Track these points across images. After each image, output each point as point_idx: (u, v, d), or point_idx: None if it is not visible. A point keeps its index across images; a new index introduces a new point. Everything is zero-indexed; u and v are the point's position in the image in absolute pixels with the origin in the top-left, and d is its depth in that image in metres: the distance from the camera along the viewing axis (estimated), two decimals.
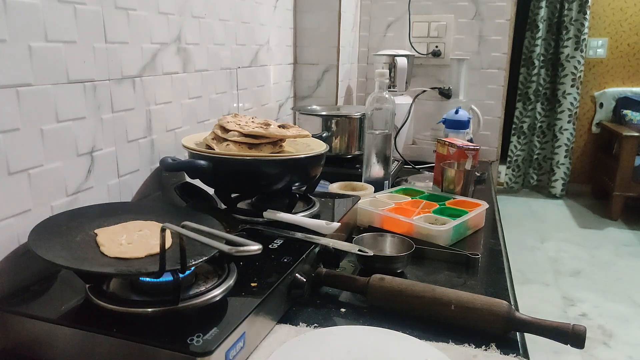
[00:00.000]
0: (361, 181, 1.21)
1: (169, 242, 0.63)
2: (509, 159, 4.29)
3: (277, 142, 0.90)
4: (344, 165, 1.38)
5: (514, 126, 4.24)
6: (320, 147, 0.94)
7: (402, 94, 1.69)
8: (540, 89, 4.14)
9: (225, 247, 0.52)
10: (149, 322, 0.56)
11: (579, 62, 3.99)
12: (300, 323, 0.67)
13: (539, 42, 4.07)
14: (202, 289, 0.60)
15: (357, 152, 1.40)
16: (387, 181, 1.22)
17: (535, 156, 4.30)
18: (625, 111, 3.94)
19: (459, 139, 1.32)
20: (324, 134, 1.17)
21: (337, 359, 0.59)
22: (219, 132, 0.89)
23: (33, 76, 0.65)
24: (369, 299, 0.72)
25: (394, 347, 0.61)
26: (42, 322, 0.56)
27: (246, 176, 0.86)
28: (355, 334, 0.64)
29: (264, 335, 0.63)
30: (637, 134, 3.50)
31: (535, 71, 4.11)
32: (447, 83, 1.78)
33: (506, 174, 4.33)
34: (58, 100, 0.70)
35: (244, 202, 0.95)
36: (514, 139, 4.27)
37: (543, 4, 4.01)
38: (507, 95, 1.95)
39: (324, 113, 1.42)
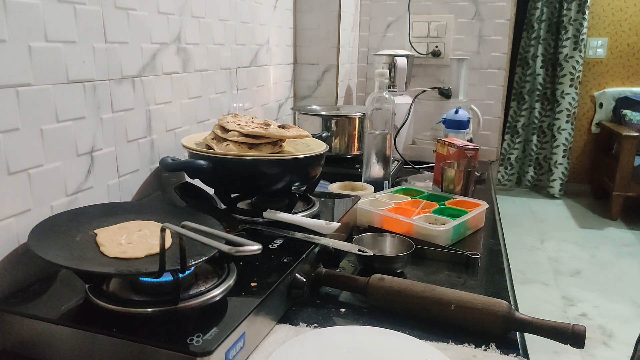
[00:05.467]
0: (361, 181, 1.21)
1: (168, 242, 0.63)
2: (501, 156, 4.31)
3: (276, 142, 0.90)
4: (344, 165, 1.38)
5: (507, 125, 4.25)
6: (320, 147, 0.94)
7: (402, 94, 1.69)
8: (540, 88, 4.15)
9: (225, 247, 0.52)
10: (149, 322, 0.56)
11: (577, 62, 4.00)
12: (300, 323, 0.67)
13: (534, 42, 4.07)
14: (202, 289, 0.60)
15: (357, 152, 1.40)
16: (387, 181, 1.22)
17: (535, 156, 4.30)
18: (625, 111, 3.94)
19: (459, 139, 1.32)
20: (324, 134, 1.17)
21: (337, 359, 0.59)
22: (219, 132, 0.89)
23: (33, 76, 0.65)
24: (369, 299, 0.72)
25: (394, 347, 0.61)
26: (42, 322, 0.56)
27: (246, 176, 0.86)
28: (355, 334, 0.64)
29: (263, 335, 0.63)
30: (637, 134, 3.51)
31: (530, 71, 4.13)
32: (447, 83, 1.78)
33: (498, 171, 4.35)
34: (58, 100, 0.70)
35: (243, 202, 0.95)
36: (507, 137, 4.29)
37: (540, 4, 4.02)
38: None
39: (323, 113, 1.42)
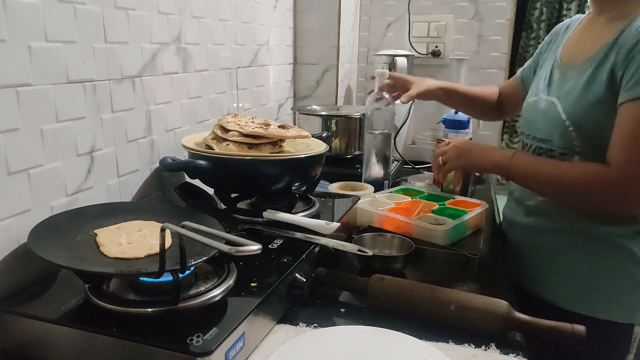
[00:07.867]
0: (361, 181, 1.21)
1: (168, 242, 0.63)
2: None
3: (276, 142, 0.90)
4: (343, 165, 1.38)
5: (507, 124, 4.26)
6: (320, 147, 0.94)
7: None
8: None
9: (225, 247, 0.52)
10: (149, 322, 0.56)
11: None
12: (300, 323, 0.67)
13: (534, 42, 4.08)
14: (202, 289, 0.60)
15: (357, 152, 1.40)
16: (387, 181, 1.22)
17: None
18: None
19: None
20: (324, 134, 1.17)
21: (337, 359, 0.59)
22: (219, 132, 0.89)
23: (33, 76, 0.65)
24: (369, 299, 0.72)
25: (394, 347, 0.61)
26: (42, 322, 0.56)
27: (246, 176, 0.86)
28: (355, 334, 0.64)
29: (263, 335, 0.63)
30: None
31: None
32: None
33: None
34: (58, 100, 0.70)
35: (243, 202, 0.95)
36: (506, 137, 4.29)
37: (540, 4, 4.02)
38: None
39: (323, 113, 1.42)
